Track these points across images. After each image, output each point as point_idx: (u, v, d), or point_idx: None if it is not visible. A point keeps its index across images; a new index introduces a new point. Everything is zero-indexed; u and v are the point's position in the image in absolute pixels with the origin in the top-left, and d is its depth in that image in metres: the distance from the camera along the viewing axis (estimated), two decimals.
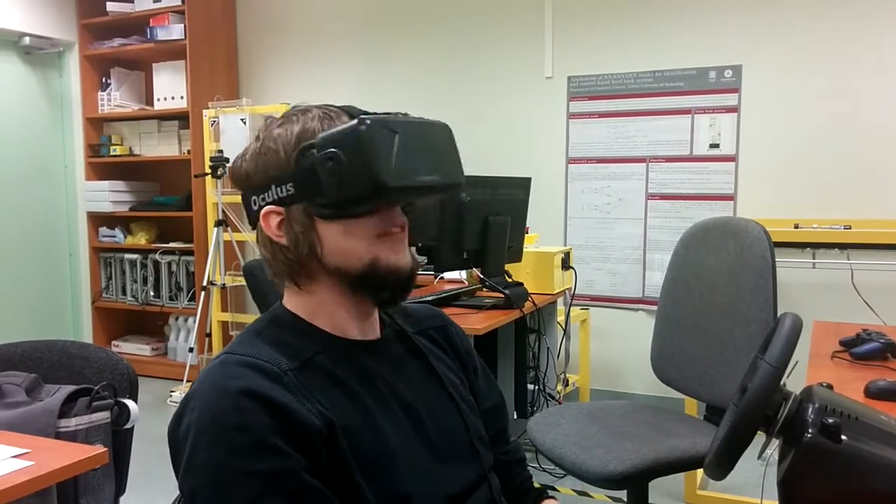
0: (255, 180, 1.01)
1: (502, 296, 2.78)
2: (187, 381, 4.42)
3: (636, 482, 1.98)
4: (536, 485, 1.28)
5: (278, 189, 0.98)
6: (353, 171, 0.93)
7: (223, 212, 4.50)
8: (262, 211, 1.00)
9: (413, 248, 1.08)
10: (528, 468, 1.29)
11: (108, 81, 5.18)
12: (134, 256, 5.18)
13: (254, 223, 1.04)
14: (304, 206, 0.98)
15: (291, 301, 1.05)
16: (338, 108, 1.03)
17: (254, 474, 0.87)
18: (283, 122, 1.02)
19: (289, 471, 0.88)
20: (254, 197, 1.02)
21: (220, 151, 4.43)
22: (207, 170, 4.41)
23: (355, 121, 0.94)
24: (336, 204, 0.96)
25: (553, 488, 3.06)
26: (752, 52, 3.80)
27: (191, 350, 4.45)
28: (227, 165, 4.36)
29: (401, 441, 1.00)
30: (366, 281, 1.00)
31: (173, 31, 4.83)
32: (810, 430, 1.02)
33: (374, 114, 0.99)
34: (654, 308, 2.43)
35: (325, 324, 1.03)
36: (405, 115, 1.02)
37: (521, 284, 2.91)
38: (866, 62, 3.58)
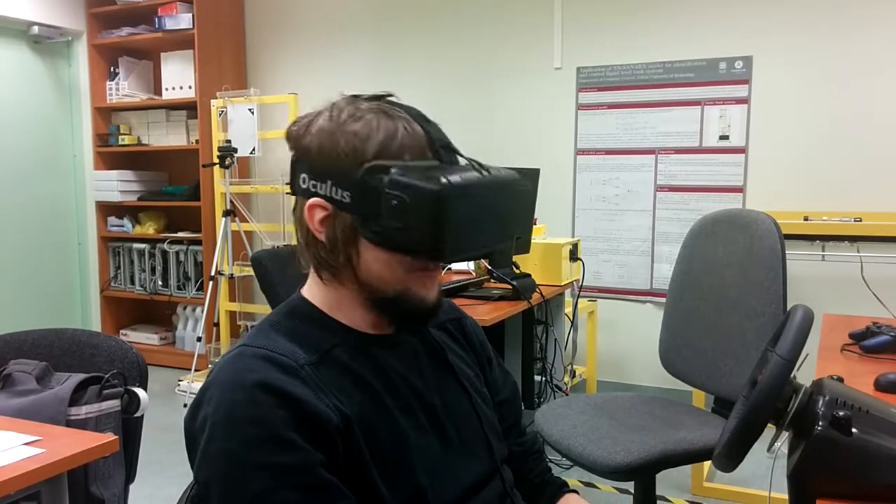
0: (314, 162, 0.97)
1: (510, 287, 2.78)
2: (195, 370, 4.43)
3: (643, 474, 1.99)
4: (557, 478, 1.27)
5: (334, 189, 0.94)
6: (415, 227, 0.90)
7: (231, 202, 4.51)
8: (310, 200, 0.97)
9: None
10: (546, 461, 1.28)
11: (117, 71, 5.18)
12: (142, 246, 5.20)
13: (294, 192, 1.00)
14: (354, 218, 0.95)
15: (312, 290, 1.05)
16: (423, 121, 0.98)
17: (268, 467, 0.87)
18: (361, 115, 0.96)
19: (304, 465, 0.88)
20: (304, 175, 0.97)
21: (228, 141, 4.42)
22: (216, 160, 4.41)
23: (435, 182, 0.89)
24: (387, 242, 0.93)
25: None
26: (763, 42, 3.78)
27: (199, 339, 4.46)
28: (236, 156, 4.37)
29: (416, 435, 1.00)
30: (391, 306, 1.00)
31: (181, 20, 4.83)
32: (821, 423, 1.02)
33: (454, 151, 0.97)
34: (663, 300, 2.43)
35: (343, 317, 1.02)
36: (481, 166, 0.96)
37: (529, 276, 2.91)
38: (878, 53, 3.55)
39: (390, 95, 1.01)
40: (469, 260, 1.07)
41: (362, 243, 0.96)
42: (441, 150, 0.97)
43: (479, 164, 0.97)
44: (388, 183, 0.90)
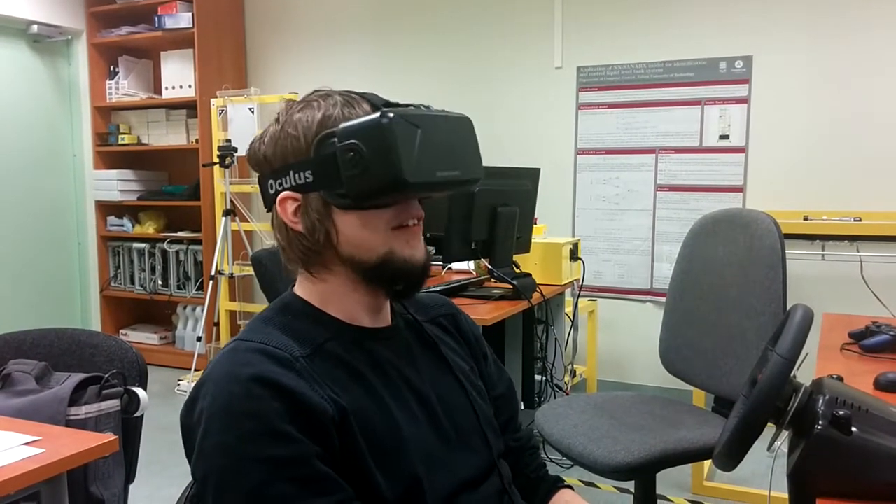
0: (273, 164, 1.01)
1: (510, 286, 2.77)
2: (195, 370, 4.43)
3: (644, 473, 1.98)
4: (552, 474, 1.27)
5: (296, 175, 0.98)
6: (373, 165, 0.93)
7: (231, 201, 4.51)
8: (279, 196, 1.00)
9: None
10: (542, 457, 1.29)
11: (116, 70, 5.18)
12: (142, 245, 5.20)
13: (269, 207, 1.03)
14: (321, 194, 0.98)
15: (303, 288, 1.06)
16: (359, 94, 1.02)
17: (264, 460, 0.87)
18: (303, 106, 1.01)
19: (300, 457, 0.88)
20: (271, 181, 1.01)
21: (228, 141, 4.43)
22: (215, 159, 4.41)
23: (378, 114, 0.94)
24: (354, 195, 0.95)
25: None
26: (763, 42, 3.78)
27: (199, 339, 4.47)
28: (236, 155, 4.37)
29: (412, 427, 1.00)
30: (379, 273, 1.01)
31: (181, 19, 4.83)
32: (821, 422, 1.02)
33: (397, 105, 0.99)
34: (663, 300, 2.43)
35: (336, 311, 1.03)
36: (427, 107, 1.02)
37: (530, 275, 2.91)
38: (878, 53, 3.55)
39: (326, 90, 1.05)
40: (437, 192, 1.10)
41: (336, 214, 0.99)
42: (383, 108, 0.99)
43: (426, 106, 1.02)
44: (339, 137, 0.94)
